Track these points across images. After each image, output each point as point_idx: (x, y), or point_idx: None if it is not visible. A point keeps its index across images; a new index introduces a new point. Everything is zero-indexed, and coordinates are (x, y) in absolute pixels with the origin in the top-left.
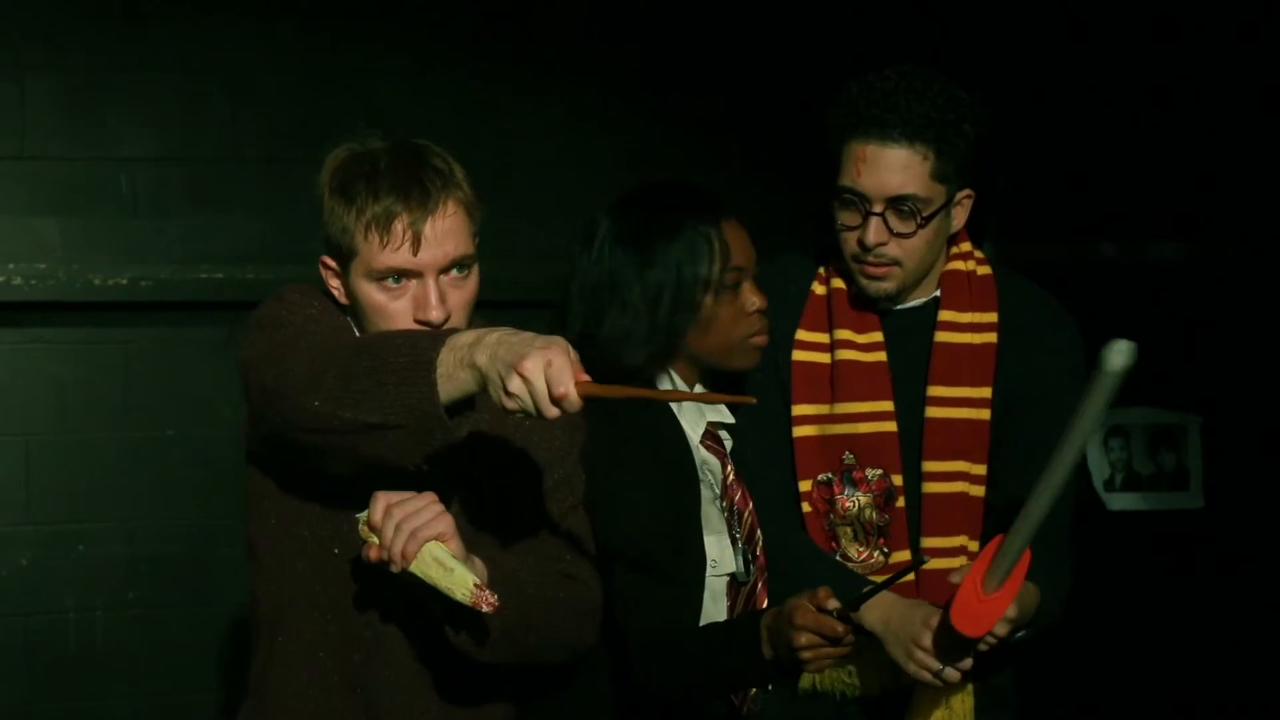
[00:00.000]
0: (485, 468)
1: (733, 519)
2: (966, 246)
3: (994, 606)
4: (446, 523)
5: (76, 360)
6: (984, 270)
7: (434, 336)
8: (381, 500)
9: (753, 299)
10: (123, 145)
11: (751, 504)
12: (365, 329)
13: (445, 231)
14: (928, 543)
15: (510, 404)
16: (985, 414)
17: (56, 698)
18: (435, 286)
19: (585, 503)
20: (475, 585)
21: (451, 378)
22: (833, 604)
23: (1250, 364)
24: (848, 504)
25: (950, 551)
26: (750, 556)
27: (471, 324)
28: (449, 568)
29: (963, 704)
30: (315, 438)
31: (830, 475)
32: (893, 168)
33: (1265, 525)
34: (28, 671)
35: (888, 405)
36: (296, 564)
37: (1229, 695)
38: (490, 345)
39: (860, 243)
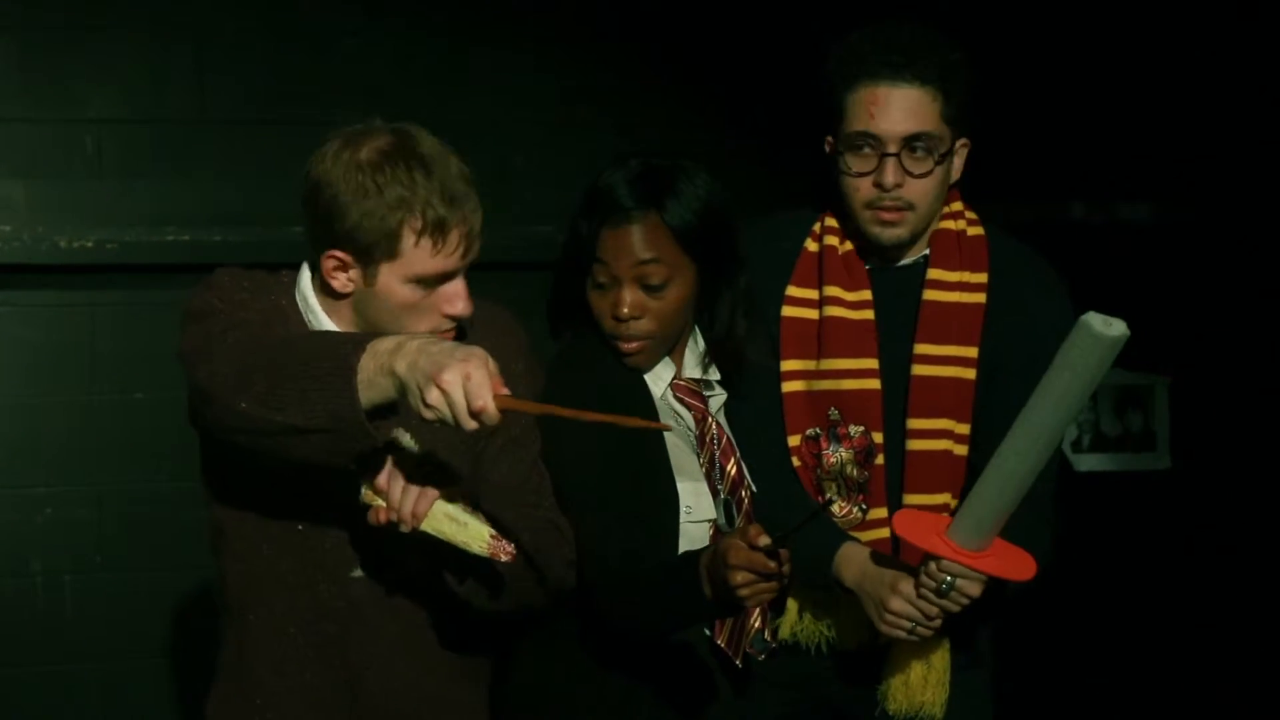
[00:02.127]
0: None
1: (713, 470)
2: (958, 206)
3: (1006, 548)
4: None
5: (42, 323)
6: (975, 230)
7: (356, 342)
8: (387, 462)
9: (620, 307)
10: (89, 107)
11: (735, 456)
12: (376, 320)
13: (479, 231)
14: (911, 499)
15: (429, 414)
16: (971, 373)
17: (24, 662)
18: (464, 281)
19: (542, 451)
20: (491, 536)
21: (372, 384)
22: (763, 540)
23: (1218, 325)
24: (832, 459)
25: (933, 509)
26: (735, 508)
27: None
28: (462, 522)
29: (940, 660)
30: (244, 438)
31: (817, 430)
32: (906, 108)
33: (1232, 486)
34: None
35: (872, 363)
36: (261, 545)
37: (1199, 652)
38: (410, 353)
39: (878, 184)
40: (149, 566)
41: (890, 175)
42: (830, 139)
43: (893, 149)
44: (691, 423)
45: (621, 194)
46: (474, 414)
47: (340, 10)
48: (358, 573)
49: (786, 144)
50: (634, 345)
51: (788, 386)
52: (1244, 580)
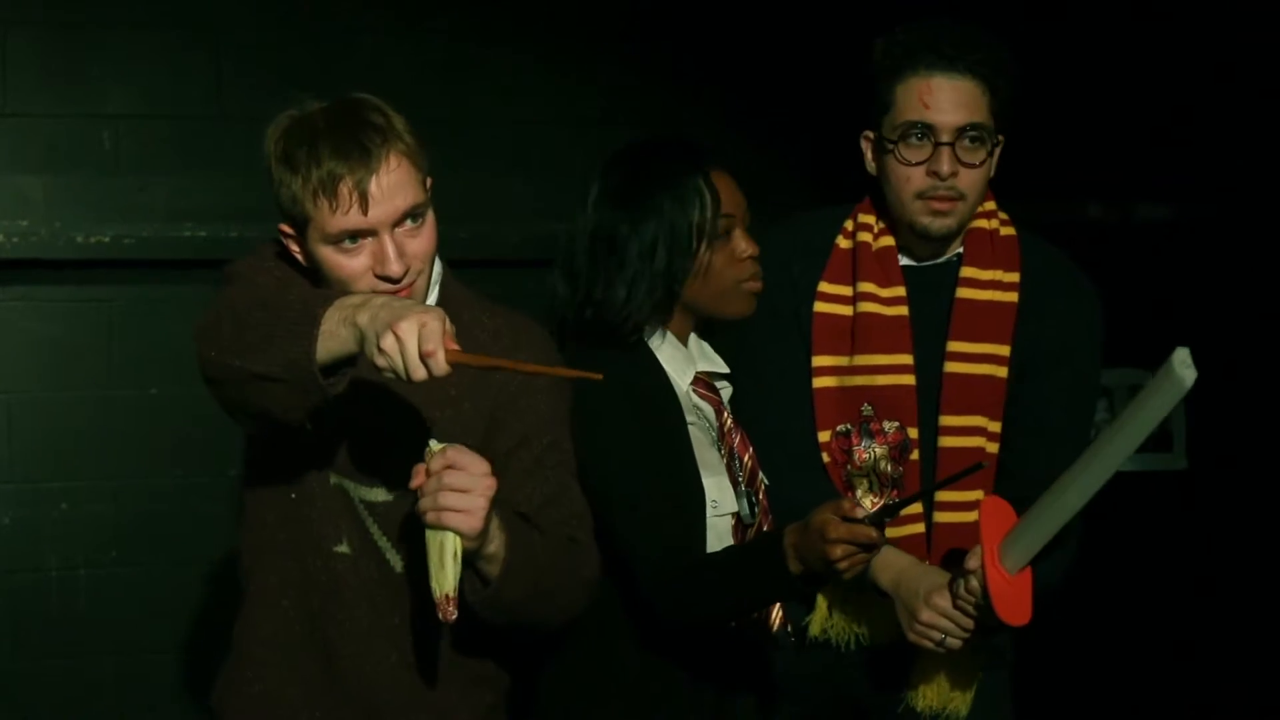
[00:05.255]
0: (473, 437)
1: (733, 463)
2: (991, 205)
3: (1023, 587)
4: (473, 523)
5: (59, 318)
6: (1008, 230)
7: (327, 296)
8: (450, 455)
9: (744, 245)
10: (106, 102)
11: (751, 449)
12: (334, 288)
13: (391, 186)
14: (942, 496)
15: (381, 361)
16: (1003, 372)
17: (39, 656)
18: (391, 241)
19: (577, 464)
20: (447, 596)
21: (333, 335)
22: (860, 512)
23: (1233, 325)
24: (864, 455)
25: (965, 506)
26: (754, 500)
27: (432, 272)
28: (444, 563)
29: (970, 659)
30: (214, 388)
31: (848, 426)
32: (959, 98)
33: (1249, 487)
34: (10, 630)
35: (907, 359)
36: (265, 515)
37: (1215, 652)
38: (374, 307)
39: (933, 173)
40: (164, 561)
41: (945, 164)
42: (869, 134)
43: (946, 138)
44: (712, 416)
45: (706, 149)
46: (423, 357)
47: (357, 8)
48: (342, 547)
49: (800, 142)
50: (759, 283)
51: (819, 382)
52: (1260, 580)
